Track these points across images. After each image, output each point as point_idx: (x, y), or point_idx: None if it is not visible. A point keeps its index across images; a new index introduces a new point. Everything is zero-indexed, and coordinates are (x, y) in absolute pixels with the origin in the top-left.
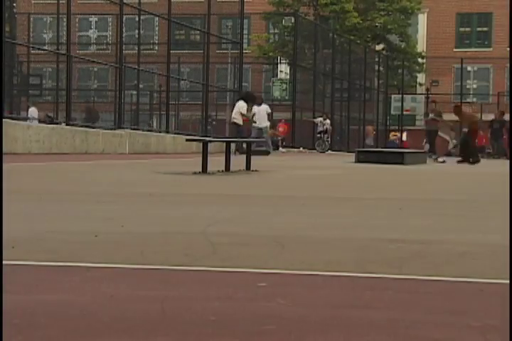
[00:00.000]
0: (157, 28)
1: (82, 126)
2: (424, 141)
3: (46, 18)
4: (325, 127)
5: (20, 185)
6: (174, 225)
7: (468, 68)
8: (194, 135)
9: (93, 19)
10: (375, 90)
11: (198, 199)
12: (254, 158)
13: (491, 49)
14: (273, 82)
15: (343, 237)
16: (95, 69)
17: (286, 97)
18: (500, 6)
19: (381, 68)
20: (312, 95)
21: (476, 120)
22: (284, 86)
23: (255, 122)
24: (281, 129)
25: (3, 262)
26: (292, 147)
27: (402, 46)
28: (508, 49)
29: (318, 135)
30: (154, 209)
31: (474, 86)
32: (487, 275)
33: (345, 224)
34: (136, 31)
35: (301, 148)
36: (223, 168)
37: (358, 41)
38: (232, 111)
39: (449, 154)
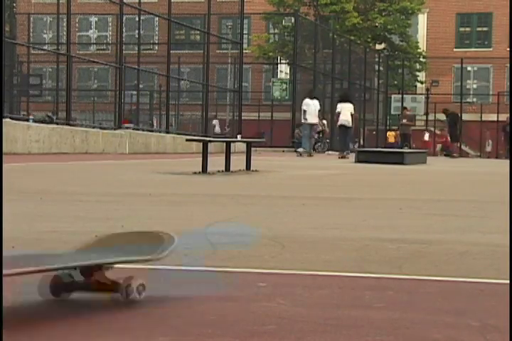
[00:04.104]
0: (157, 28)
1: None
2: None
3: (46, 18)
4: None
5: (20, 185)
6: (174, 225)
7: (468, 68)
8: (194, 135)
9: (93, 19)
10: (375, 90)
11: (198, 199)
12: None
13: (491, 49)
14: (273, 82)
15: (343, 237)
16: (95, 69)
17: (286, 97)
18: (500, 6)
19: (381, 68)
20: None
21: None
22: (284, 86)
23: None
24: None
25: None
26: (292, 147)
27: (404, 46)
28: (508, 49)
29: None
30: (154, 209)
31: (474, 86)
32: (487, 275)
33: (345, 224)
34: (136, 31)
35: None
36: (223, 168)
37: (358, 41)
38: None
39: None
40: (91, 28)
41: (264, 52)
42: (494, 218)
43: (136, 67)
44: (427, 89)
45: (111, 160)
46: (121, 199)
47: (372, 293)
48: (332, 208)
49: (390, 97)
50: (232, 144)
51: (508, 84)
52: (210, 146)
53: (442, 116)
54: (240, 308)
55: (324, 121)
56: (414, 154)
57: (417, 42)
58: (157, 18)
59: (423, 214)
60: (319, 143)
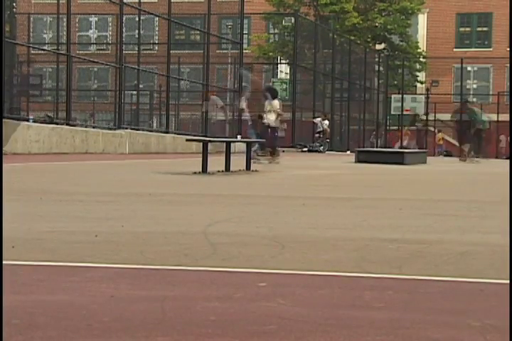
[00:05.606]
0: (157, 28)
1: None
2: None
3: (46, 18)
4: (323, 127)
5: (20, 185)
6: (174, 225)
7: (468, 68)
8: (194, 135)
9: (93, 19)
10: (375, 90)
11: (197, 199)
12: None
13: (491, 49)
14: (273, 82)
15: (343, 237)
16: (95, 69)
17: (286, 97)
18: (500, 6)
19: (381, 68)
20: (312, 95)
21: None
22: (284, 86)
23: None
24: None
25: (3, 262)
26: (292, 147)
27: (403, 46)
28: (508, 49)
29: (317, 135)
30: (154, 209)
31: (474, 86)
32: (487, 275)
33: (345, 224)
34: (136, 31)
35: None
36: (223, 168)
37: (358, 41)
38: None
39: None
40: (91, 28)
41: (264, 52)
42: (494, 218)
43: (136, 67)
44: (427, 89)
45: (111, 160)
46: (121, 199)
47: (372, 293)
48: (332, 208)
49: (390, 97)
50: (232, 144)
51: (508, 84)
52: (210, 146)
53: (442, 117)
54: (240, 308)
55: (326, 121)
56: (414, 154)
57: (417, 42)
58: (157, 18)
59: (423, 214)
60: (317, 143)
